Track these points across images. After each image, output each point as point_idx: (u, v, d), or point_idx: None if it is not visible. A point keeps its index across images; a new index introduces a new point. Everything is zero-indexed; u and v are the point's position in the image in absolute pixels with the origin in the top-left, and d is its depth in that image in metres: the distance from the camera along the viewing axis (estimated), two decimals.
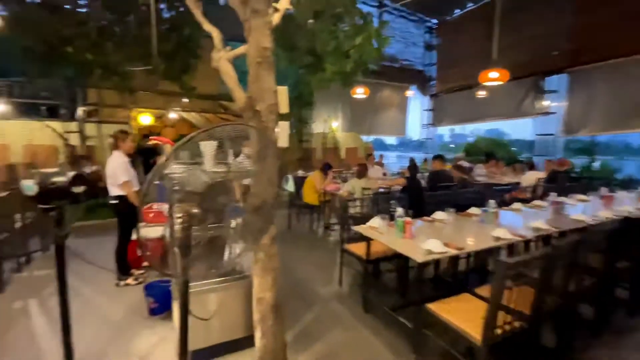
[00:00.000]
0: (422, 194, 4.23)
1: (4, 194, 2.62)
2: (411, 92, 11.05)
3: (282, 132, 2.20)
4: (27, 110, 6.21)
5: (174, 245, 1.65)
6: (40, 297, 3.10)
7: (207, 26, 2.29)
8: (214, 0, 4.32)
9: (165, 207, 3.71)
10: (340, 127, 10.56)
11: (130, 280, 3.40)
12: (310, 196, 5.38)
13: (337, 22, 3.66)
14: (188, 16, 4.30)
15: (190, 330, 1.46)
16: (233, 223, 1.78)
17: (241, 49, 2.16)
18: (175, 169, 1.70)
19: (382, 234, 2.60)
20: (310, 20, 3.55)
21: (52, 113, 6.61)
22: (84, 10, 4.10)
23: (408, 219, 2.48)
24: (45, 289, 3.23)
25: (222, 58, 2.18)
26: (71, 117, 6.61)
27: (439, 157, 5.07)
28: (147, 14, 4.23)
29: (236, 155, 1.88)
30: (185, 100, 7.62)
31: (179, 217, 1.60)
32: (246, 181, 1.91)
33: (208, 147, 1.76)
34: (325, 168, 5.45)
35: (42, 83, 5.58)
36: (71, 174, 1.29)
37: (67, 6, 3.67)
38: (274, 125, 2.04)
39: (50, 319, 2.74)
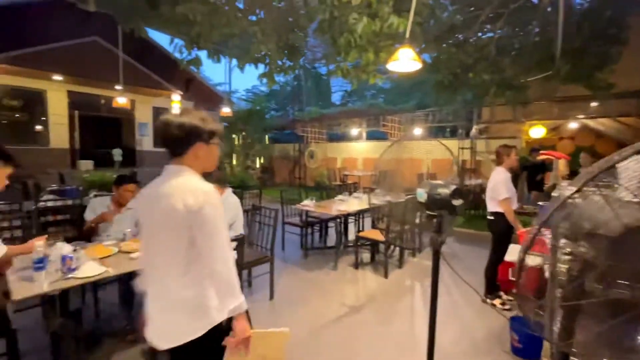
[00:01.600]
0: None
1: (411, 196, 3.60)
2: None
3: None
4: (437, 132, 8.12)
5: (552, 290, 1.25)
6: (422, 283, 3.80)
7: None
8: None
9: (548, 234, 3.11)
10: None
11: (496, 302, 3.22)
12: None
13: None
14: None
15: None
16: None
17: None
18: (581, 192, 1.26)
19: None
20: None
21: (453, 133, 8.05)
22: (485, 36, 4.46)
23: None
24: (427, 278, 3.91)
25: None
26: (466, 135, 7.62)
27: None
28: (551, 15, 3.77)
29: None
30: (594, 103, 6.05)
31: (565, 259, 1.18)
32: None
33: (631, 168, 1.13)
34: None
35: (447, 109, 7.00)
36: (452, 187, 1.40)
37: (472, 38, 4.17)
38: None
39: (426, 304, 3.24)
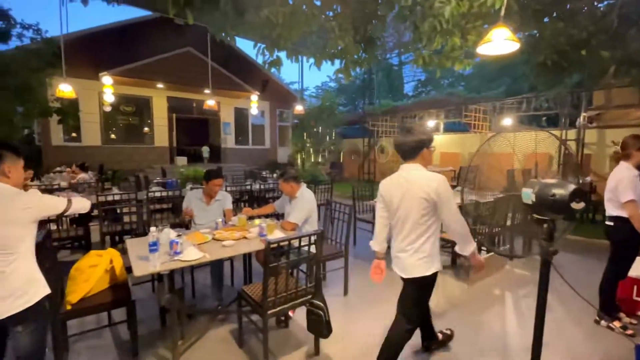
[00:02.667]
0: None
1: (503, 195, 3.15)
2: None
3: None
4: (530, 121, 7.06)
5: None
6: (514, 293, 3.37)
7: None
8: None
9: None
10: None
11: (615, 324, 2.68)
12: None
13: None
14: None
15: None
16: None
17: None
18: None
19: None
20: None
21: (552, 122, 6.89)
22: (603, 4, 3.67)
23: None
24: (523, 287, 3.47)
25: None
26: (571, 125, 6.46)
27: None
28: None
29: None
30: None
31: None
32: None
33: None
34: None
35: (546, 95, 5.99)
36: (571, 187, 1.15)
37: (585, 8, 3.46)
38: None
39: (520, 318, 2.86)
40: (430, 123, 10.45)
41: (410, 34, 4.01)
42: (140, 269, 2.05)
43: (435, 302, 3.17)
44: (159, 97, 11.40)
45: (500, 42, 2.44)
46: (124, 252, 2.59)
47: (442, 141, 10.36)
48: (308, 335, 2.39)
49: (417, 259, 1.83)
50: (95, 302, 2.22)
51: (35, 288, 1.57)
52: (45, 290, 1.63)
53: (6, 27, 5.64)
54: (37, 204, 1.58)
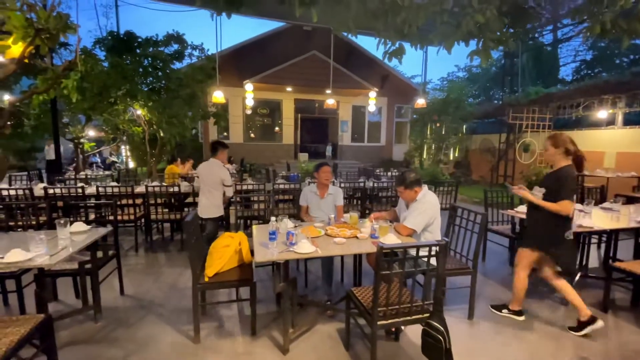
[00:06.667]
0: None
1: None
2: None
3: None
4: None
5: None
6: None
7: None
8: None
9: None
10: None
11: None
12: None
13: None
14: None
15: None
16: None
17: None
18: None
19: None
20: None
21: None
22: None
23: None
24: None
25: None
26: None
27: None
28: None
29: None
30: None
31: None
32: None
33: None
34: None
35: None
36: None
37: None
38: None
39: None
40: (601, 114, 7.94)
41: None
42: (260, 255, 2.18)
43: (603, 354, 2.31)
44: (288, 99, 12.64)
45: None
46: (251, 235, 2.87)
47: (618, 138, 7.76)
48: (420, 355, 2.09)
49: None
50: (225, 278, 2.51)
51: (220, 208, 3.80)
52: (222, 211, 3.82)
53: (181, 49, 7.23)
54: (226, 174, 3.76)
